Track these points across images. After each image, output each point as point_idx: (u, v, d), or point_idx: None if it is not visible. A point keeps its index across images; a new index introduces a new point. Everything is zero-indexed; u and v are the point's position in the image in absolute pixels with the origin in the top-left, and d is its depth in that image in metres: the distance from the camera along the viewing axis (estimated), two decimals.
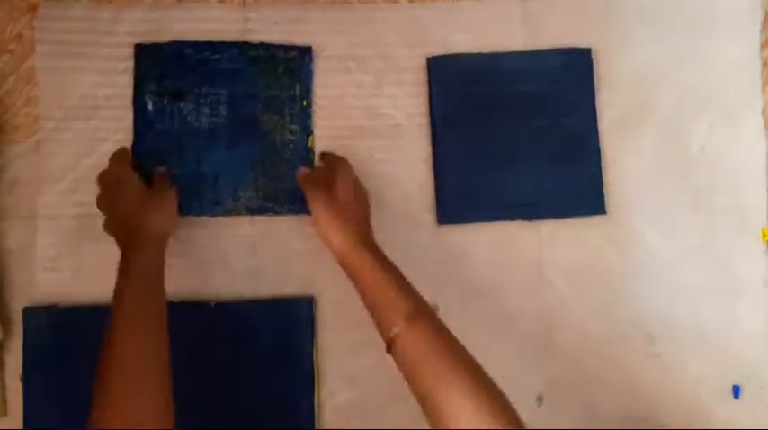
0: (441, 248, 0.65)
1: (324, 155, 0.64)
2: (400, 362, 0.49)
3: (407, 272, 0.54)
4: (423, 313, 0.50)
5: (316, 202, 0.57)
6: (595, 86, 0.66)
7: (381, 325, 0.51)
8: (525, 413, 0.63)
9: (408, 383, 0.48)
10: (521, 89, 0.66)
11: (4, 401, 0.61)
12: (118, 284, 0.52)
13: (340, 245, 0.55)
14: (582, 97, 0.66)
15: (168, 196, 0.60)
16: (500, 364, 0.63)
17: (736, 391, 0.65)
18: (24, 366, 0.60)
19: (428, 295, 0.53)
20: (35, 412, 0.60)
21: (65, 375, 0.60)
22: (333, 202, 0.57)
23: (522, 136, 0.65)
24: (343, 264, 0.56)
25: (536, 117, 0.65)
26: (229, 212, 0.63)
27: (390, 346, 0.50)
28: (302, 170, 0.63)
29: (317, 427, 0.61)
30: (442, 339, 0.49)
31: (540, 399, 0.64)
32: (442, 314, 0.62)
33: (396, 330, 0.49)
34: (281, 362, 0.62)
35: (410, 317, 0.49)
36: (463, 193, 0.65)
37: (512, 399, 0.63)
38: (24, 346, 0.60)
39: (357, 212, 0.58)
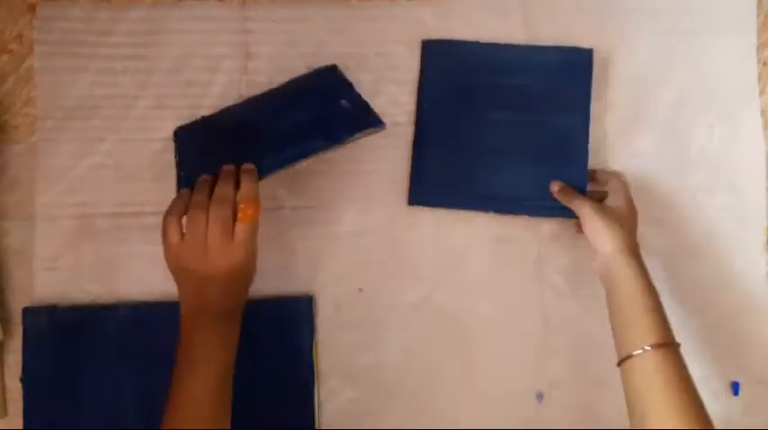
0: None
1: (596, 172, 0.64)
2: (629, 380, 0.51)
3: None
4: (669, 345, 0.50)
5: (584, 205, 0.58)
6: (593, 87, 0.65)
7: (624, 339, 0.52)
8: (525, 411, 0.64)
9: (629, 397, 0.51)
10: (516, 83, 0.65)
11: (5, 401, 0.61)
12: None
13: (607, 247, 0.56)
14: (577, 97, 0.65)
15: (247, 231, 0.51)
16: (499, 364, 0.64)
17: (735, 388, 0.65)
18: (24, 366, 0.60)
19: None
20: (35, 412, 0.60)
21: (65, 375, 0.60)
22: (603, 207, 0.58)
23: (508, 129, 0.64)
24: (605, 269, 0.56)
25: (526, 112, 0.65)
26: None
27: (624, 361, 0.51)
28: (556, 185, 0.63)
29: (317, 427, 0.61)
30: (678, 375, 0.50)
31: (539, 396, 0.64)
32: (439, 308, 0.62)
33: (638, 352, 0.50)
34: (281, 362, 0.62)
35: (657, 345, 0.50)
36: (437, 177, 0.64)
37: (511, 398, 0.64)
38: (24, 346, 0.60)
39: (629, 221, 0.58)
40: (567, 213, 0.61)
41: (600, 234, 0.56)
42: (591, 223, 0.57)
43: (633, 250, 0.56)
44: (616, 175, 0.63)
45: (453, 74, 0.65)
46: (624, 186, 0.61)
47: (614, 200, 0.59)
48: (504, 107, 0.65)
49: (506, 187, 0.64)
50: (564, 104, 0.65)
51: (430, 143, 0.65)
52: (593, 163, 0.64)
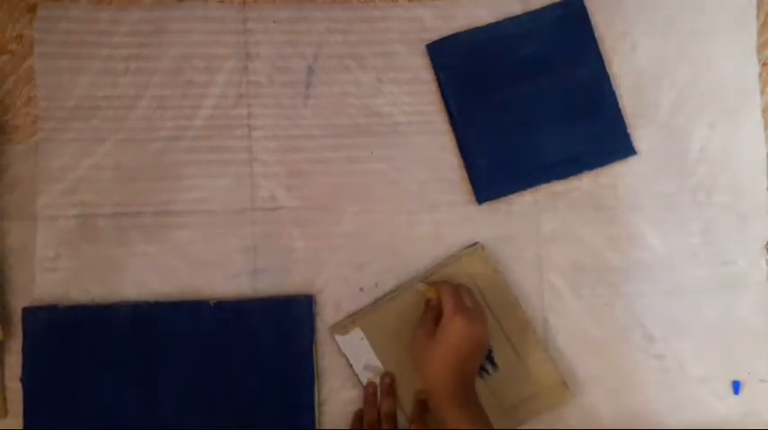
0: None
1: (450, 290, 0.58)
2: None
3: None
4: None
5: (424, 341, 0.57)
6: (596, 32, 0.66)
7: None
8: None
9: None
10: (524, 53, 0.66)
11: (4, 402, 0.61)
12: None
13: (438, 389, 0.55)
14: (584, 45, 0.66)
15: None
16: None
17: (736, 387, 0.65)
18: (24, 366, 0.60)
19: None
20: (35, 412, 0.60)
21: (64, 375, 0.60)
22: (449, 347, 0.55)
23: (538, 97, 0.65)
24: (434, 408, 0.56)
25: (545, 75, 0.65)
26: None
27: None
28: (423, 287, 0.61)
29: (317, 427, 0.61)
30: None
31: None
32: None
33: None
34: (281, 362, 0.62)
35: None
36: (494, 168, 0.65)
37: None
38: (24, 346, 0.60)
39: (467, 363, 0.56)
40: (621, 155, 0.65)
41: (433, 377, 0.55)
42: (426, 361, 0.56)
43: (463, 394, 0.55)
44: (450, 291, 0.58)
45: (466, 66, 0.65)
46: (456, 301, 0.56)
47: (446, 327, 0.56)
48: (524, 79, 0.65)
49: (558, 152, 0.65)
50: (575, 56, 0.66)
51: (473, 139, 0.65)
52: None
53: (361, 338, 0.62)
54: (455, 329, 0.55)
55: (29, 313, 0.61)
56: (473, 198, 0.65)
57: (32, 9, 0.63)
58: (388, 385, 0.61)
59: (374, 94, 0.66)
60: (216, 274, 0.63)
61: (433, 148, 0.66)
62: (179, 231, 0.63)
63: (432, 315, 0.58)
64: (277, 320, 0.62)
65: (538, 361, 0.63)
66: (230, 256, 0.63)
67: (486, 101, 0.65)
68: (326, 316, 0.64)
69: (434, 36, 0.66)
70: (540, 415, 0.63)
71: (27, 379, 0.60)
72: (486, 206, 0.65)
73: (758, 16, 0.68)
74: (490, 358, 0.62)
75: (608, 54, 0.67)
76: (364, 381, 0.62)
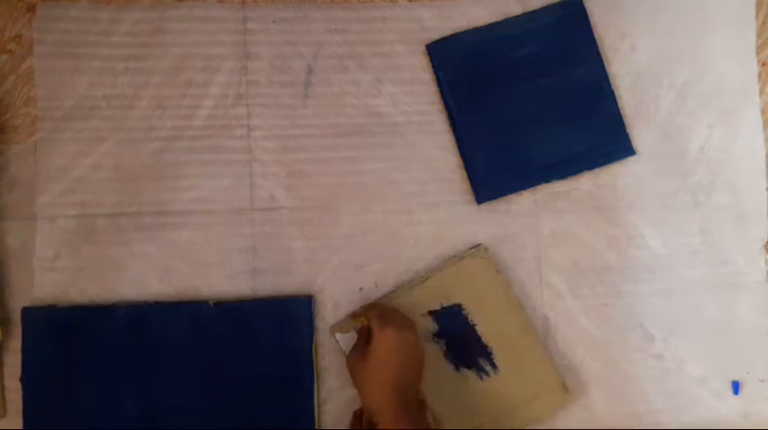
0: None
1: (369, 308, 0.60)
2: None
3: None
4: None
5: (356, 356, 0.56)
6: (595, 32, 0.66)
7: None
8: None
9: None
10: (524, 53, 0.66)
11: (4, 401, 0.61)
12: None
13: (378, 405, 0.53)
14: (584, 45, 0.66)
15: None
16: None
17: (735, 387, 0.65)
18: (23, 366, 0.60)
19: None
20: (34, 412, 0.60)
21: (64, 375, 0.60)
22: (381, 360, 0.54)
23: (537, 98, 0.65)
24: (378, 423, 0.53)
25: (545, 76, 0.66)
26: None
27: None
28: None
29: (316, 427, 0.61)
30: None
31: None
32: None
33: None
34: (281, 362, 0.62)
35: None
36: (493, 169, 0.65)
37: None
38: (23, 346, 0.60)
39: (404, 375, 0.55)
40: (620, 156, 0.65)
41: (368, 391, 0.54)
42: (359, 375, 0.56)
43: (405, 404, 0.53)
44: (376, 310, 0.58)
45: (465, 66, 0.65)
46: (383, 325, 0.55)
47: (375, 344, 0.55)
48: (523, 79, 0.66)
49: (557, 152, 0.65)
50: (574, 56, 0.66)
51: (472, 139, 0.65)
52: None
53: None
54: (385, 341, 0.54)
55: (28, 313, 0.61)
56: (473, 198, 0.65)
57: (32, 9, 0.63)
58: None
59: (373, 94, 0.66)
60: (215, 274, 0.63)
61: (432, 148, 0.66)
62: (178, 231, 0.63)
63: (362, 338, 0.58)
64: (277, 320, 0.62)
65: (538, 361, 0.63)
66: (230, 256, 0.63)
67: (485, 101, 0.65)
68: (326, 315, 0.64)
69: (434, 36, 0.66)
70: (539, 419, 0.63)
71: (26, 379, 0.60)
72: (485, 206, 0.65)
73: (758, 16, 0.68)
74: (490, 359, 0.63)
75: (607, 54, 0.67)
76: None
